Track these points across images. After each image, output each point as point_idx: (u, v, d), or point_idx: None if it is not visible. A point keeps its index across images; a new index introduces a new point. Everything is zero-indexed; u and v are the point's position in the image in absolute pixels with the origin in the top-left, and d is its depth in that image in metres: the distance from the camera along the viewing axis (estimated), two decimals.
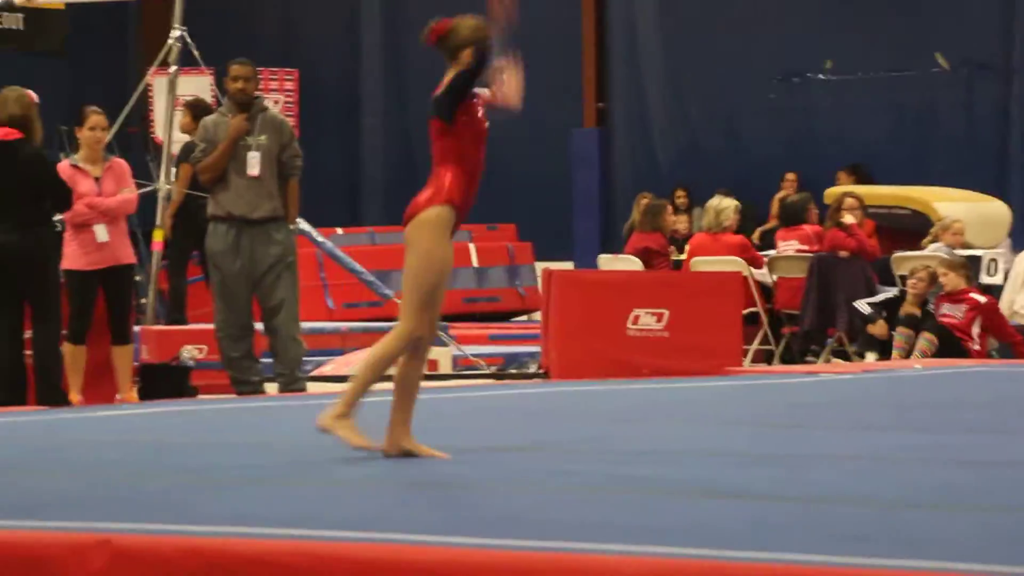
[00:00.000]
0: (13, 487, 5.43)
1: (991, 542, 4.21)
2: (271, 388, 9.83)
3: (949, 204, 14.38)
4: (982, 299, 12.41)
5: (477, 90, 5.91)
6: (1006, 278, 13.39)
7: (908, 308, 12.66)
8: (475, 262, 16.85)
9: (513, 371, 11.49)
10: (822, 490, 5.20)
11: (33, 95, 9.29)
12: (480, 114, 5.89)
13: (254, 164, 9.70)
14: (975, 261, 13.09)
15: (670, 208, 14.58)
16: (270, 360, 9.86)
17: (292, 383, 9.72)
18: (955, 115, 17.35)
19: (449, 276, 5.82)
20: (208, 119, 10.04)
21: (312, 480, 5.54)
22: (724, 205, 13.93)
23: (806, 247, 13.63)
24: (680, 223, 16.45)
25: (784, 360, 13.30)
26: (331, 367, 10.95)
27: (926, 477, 5.53)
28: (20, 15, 19.01)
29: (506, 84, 5.88)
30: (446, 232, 5.77)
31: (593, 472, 5.66)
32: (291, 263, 9.80)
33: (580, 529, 4.43)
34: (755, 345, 13.34)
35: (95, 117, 9.89)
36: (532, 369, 11.36)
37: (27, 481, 5.59)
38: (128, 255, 9.88)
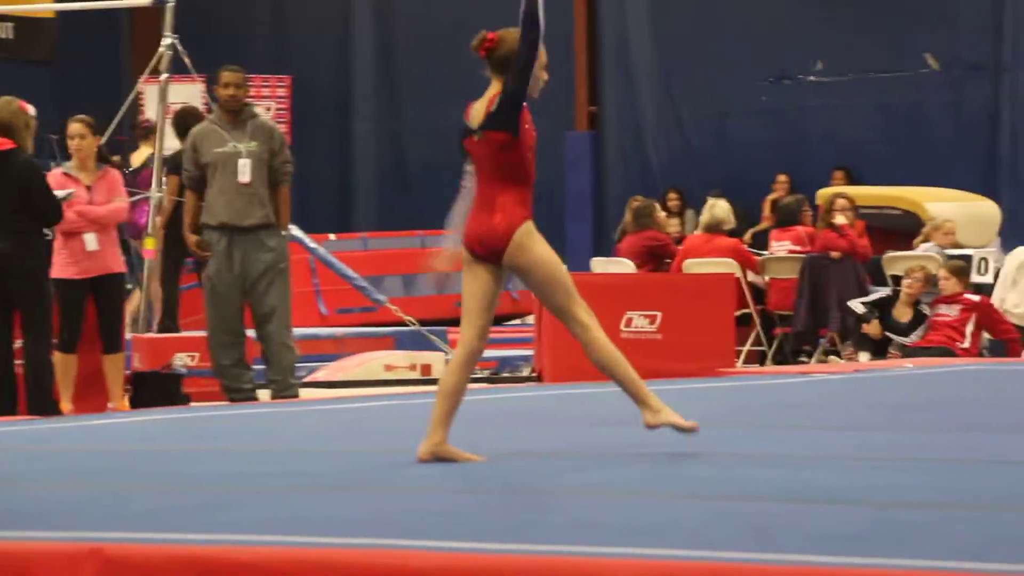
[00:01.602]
0: (3, 496, 5.41)
1: (985, 541, 4.21)
2: (263, 395, 9.82)
3: (940, 204, 14.40)
4: (976, 298, 12.44)
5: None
6: (996, 277, 13.41)
7: (901, 308, 12.68)
8: None
9: (506, 375, 11.48)
10: (816, 490, 5.20)
11: (27, 106, 9.26)
12: (532, 125, 5.89)
13: (244, 171, 9.69)
14: (966, 260, 13.11)
15: (660, 209, 14.59)
16: (262, 367, 9.85)
17: (285, 390, 9.71)
18: (945, 115, 17.37)
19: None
20: (197, 130, 10.01)
21: (304, 487, 5.53)
22: (723, 206, 13.95)
23: (799, 248, 13.64)
24: (672, 226, 16.45)
25: (777, 361, 13.30)
26: (324, 373, 10.94)
27: (919, 476, 5.53)
28: (10, 24, 18.99)
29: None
30: (542, 237, 5.85)
31: (588, 475, 5.66)
32: (283, 270, 9.79)
33: (576, 531, 4.42)
34: (748, 346, 13.34)
35: (72, 125, 9.88)
36: (525, 373, 11.35)
37: (17, 490, 5.58)
38: (118, 264, 9.87)
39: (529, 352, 11.57)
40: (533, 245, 5.81)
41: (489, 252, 5.84)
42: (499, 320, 16.76)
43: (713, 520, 4.59)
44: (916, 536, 4.30)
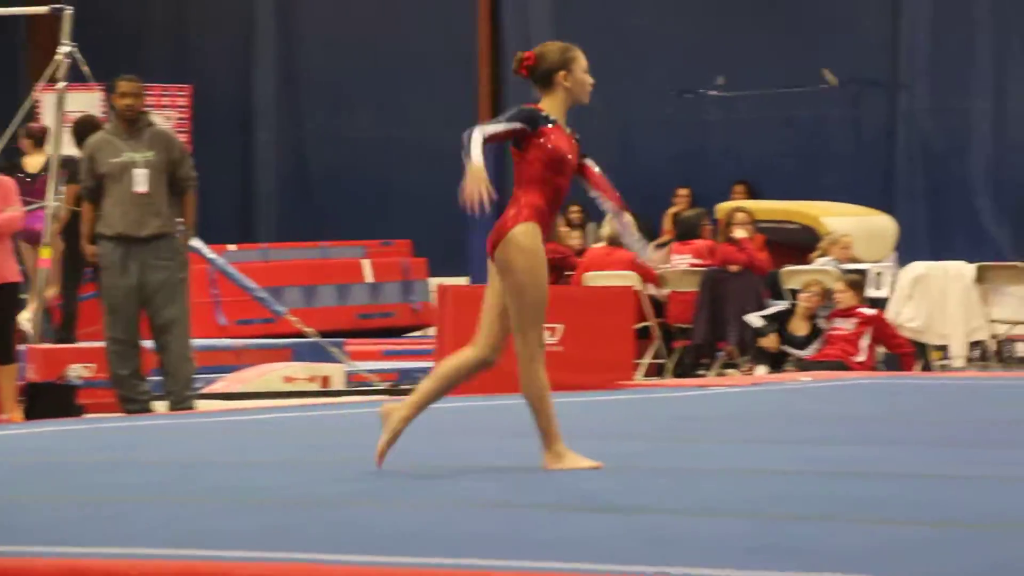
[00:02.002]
0: None
1: (879, 553, 4.25)
2: (160, 406, 9.73)
3: (837, 219, 14.55)
4: (871, 312, 12.59)
5: (549, 123, 5.98)
6: (892, 291, 13.58)
7: (798, 322, 12.80)
8: (369, 278, 16.81)
9: (406, 387, 11.45)
10: (711, 502, 5.23)
11: None
12: (553, 143, 5.95)
13: (140, 181, 9.62)
14: (862, 275, 13.27)
15: (562, 222, 14.63)
16: (159, 378, 9.76)
17: (182, 401, 9.64)
18: (843, 131, 17.56)
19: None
20: (92, 140, 9.92)
21: (199, 498, 5.49)
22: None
23: (699, 261, 13.74)
24: (574, 238, 16.51)
25: (676, 374, 13.38)
26: (222, 384, 10.87)
27: (814, 489, 5.58)
28: None
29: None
30: (540, 246, 5.86)
31: (483, 488, 5.66)
32: (181, 280, 9.72)
33: (471, 544, 4.42)
34: (648, 359, 13.41)
35: None
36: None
37: None
38: (13, 273, 9.74)
39: (430, 364, 11.55)
40: (522, 249, 5.83)
41: (493, 248, 5.90)
42: (401, 332, 16.80)
43: (612, 532, 4.60)
44: (810, 547, 4.34)
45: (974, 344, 13.92)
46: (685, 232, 14.27)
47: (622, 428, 7.99)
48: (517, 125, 5.92)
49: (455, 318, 11.19)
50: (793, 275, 13.50)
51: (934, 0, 17.00)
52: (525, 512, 5.10)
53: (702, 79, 18.20)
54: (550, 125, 5.97)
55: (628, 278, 13.43)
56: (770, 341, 12.78)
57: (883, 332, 12.56)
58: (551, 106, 6.04)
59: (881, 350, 12.77)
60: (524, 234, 5.84)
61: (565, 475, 5.88)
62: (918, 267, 13.83)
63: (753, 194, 16.79)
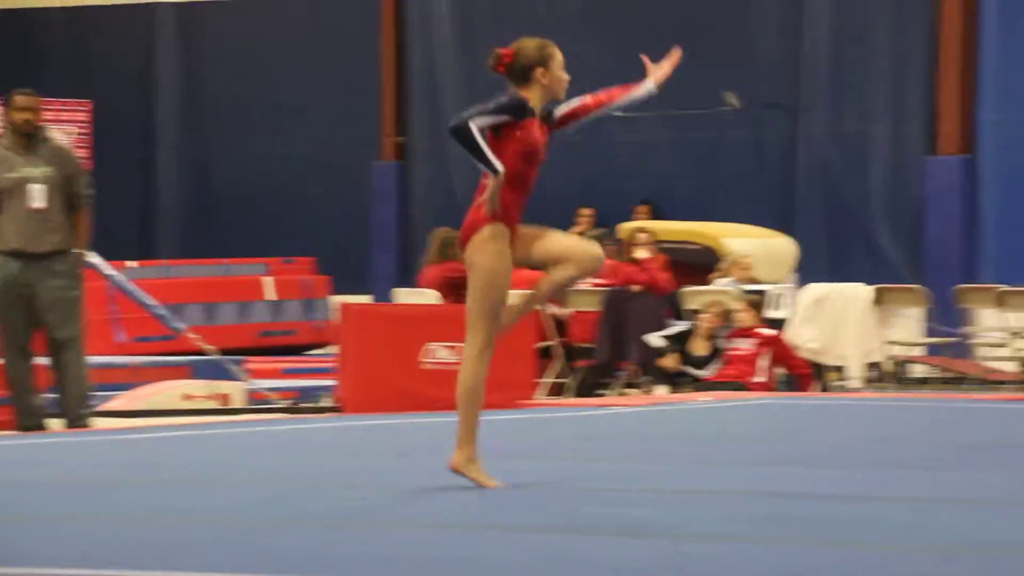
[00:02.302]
0: None
1: (776, 571, 4.28)
2: (55, 424, 9.62)
3: (738, 240, 14.67)
4: (770, 333, 12.71)
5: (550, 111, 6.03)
6: (792, 312, 13.70)
7: (698, 342, 12.89)
8: (271, 295, 16.73)
9: (307, 405, 11.40)
10: (609, 523, 5.24)
11: None
12: (531, 135, 5.99)
13: (37, 197, 9.51)
14: (761, 296, 13.37)
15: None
16: (56, 395, 9.65)
17: (77, 419, 9.53)
18: (745, 152, 17.72)
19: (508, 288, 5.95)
20: None
21: (107, 517, 5.43)
22: None
23: (602, 281, 13.79)
24: None
25: (578, 393, 13.41)
26: (120, 402, 10.76)
27: (710, 510, 5.61)
28: None
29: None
30: (505, 248, 5.91)
31: (371, 506, 5.64)
32: (77, 297, 9.61)
33: (370, 565, 4.40)
34: (551, 378, 13.43)
35: None
36: (326, 403, 11.29)
37: None
38: None
39: (331, 382, 11.51)
40: (486, 250, 5.90)
41: (463, 242, 5.97)
42: (303, 350, 16.72)
43: (512, 552, 4.60)
44: (708, 569, 4.36)
45: (871, 365, 14.08)
46: None
47: (519, 448, 8.00)
48: (505, 117, 5.96)
49: (358, 336, 11.16)
50: (694, 296, 13.59)
51: (834, 25, 17.21)
52: (424, 532, 5.09)
53: None
54: (530, 117, 6.02)
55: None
56: (670, 361, 12.85)
57: (782, 353, 12.67)
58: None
59: (780, 370, 12.88)
60: (492, 236, 5.92)
61: (463, 494, 5.87)
62: (817, 289, 13.97)
63: (656, 215, 16.89)
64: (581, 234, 16.06)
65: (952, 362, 14.75)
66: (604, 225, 15.88)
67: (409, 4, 19.15)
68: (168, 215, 20.16)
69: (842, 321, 13.69)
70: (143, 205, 20.16)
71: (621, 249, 13.88)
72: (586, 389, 13.50)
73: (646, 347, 13.06)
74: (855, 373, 13.83)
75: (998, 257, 15.41)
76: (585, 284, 13.91)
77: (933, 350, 14.92)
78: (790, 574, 4.27)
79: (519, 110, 5.98)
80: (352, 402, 10.84)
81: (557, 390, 13.54)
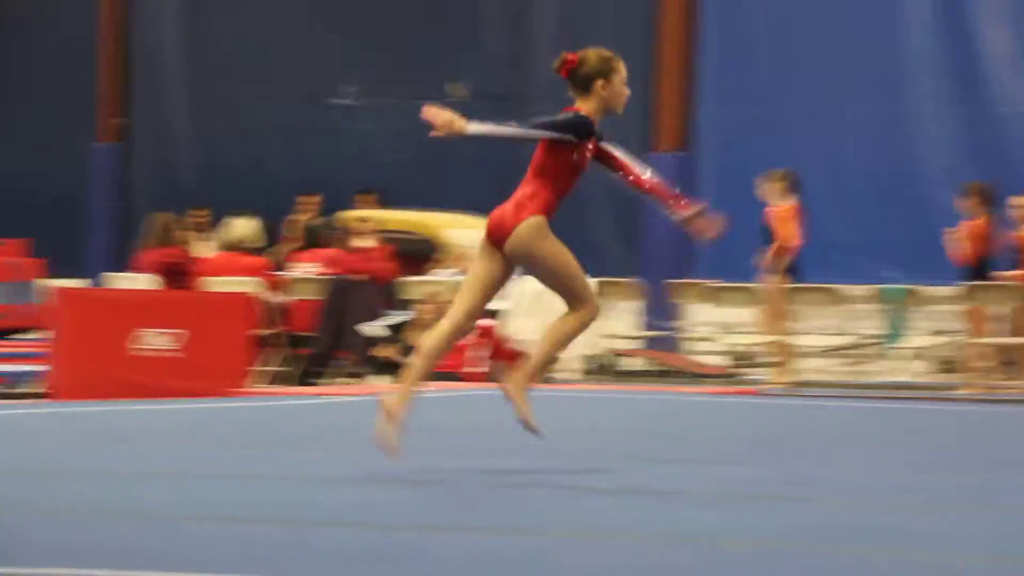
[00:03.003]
0: None
1: (473, 563, 4.32)
2: None
3: (458, 231, 14.78)
4: (485, 323, 12.84)
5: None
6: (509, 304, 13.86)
7: (417, 333, 12.93)
8: None
9: (16, 391, 11.11)
10: (322, 512, 5.23)
11: None
12: (584, 157, 6.17)
13: None
14: None
15: (185, 225, 14.43)
16: None
17: None
18: (469, 143, 17.83)
19: None
20: None
21: None
22: (247, 225, 13.90)
23: (327, 270, 13.75)
24: (201, 243, 16.30)
25: (301, 382, 13.34)
26: None
27: (431, 499, 5.64)
28: None
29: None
30: (550, 233, 6.15)
31: (83, 495, 5.53)
32: None
33: (63, 555, 4.31)
34: (273, 366, 13.33)
35: None
36: (34, 389, 11.01)
37: None
38: None
39: (42, 368, 11.23)
40: (540, 237, 6.10)
41: (496, 239, 6.14)
42: (14, 334, 16.27)
43: (215, 542, 4.56)
44: (421, 557, 4.38)
45: (589, 358, 14.33)
46: (312, 240, 14.27)
47: (221, 435, 7.92)
48: (568, 136, 6.08)
49: (73, 320, 10.91)
50: (411, 286, 13.65)
51: (558, 18, 17.46)
52: (121, 520, 5.00)
53: (332, 88, 18.24)
54: (591, 137, 6.18)
55: (252, 284, 13.34)
56: (389, 351, 12.88)
57: (495, 344, 12.81)
58: (585, 111, 6.21)
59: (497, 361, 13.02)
60: (537, 225, 6.12)
61: (172, 483, 5.79)
62: (536, 282, 14.14)
63: (381, 203, 16.90)
64: (308, 221, 15.99)
65: (665, 356, 15.11)
66: (330, 212, 15.83)
67: None
68: None
69: (559, 314, 13.88)
70: None
71: (343, 237, 13.86)
72: (306, 378, 13.45)
73: (362, 336, 13.07)
74: (572, 365, 14.05)
75: (712, 253, 15.81)
76: (308, 272, 13.85)
77: (650, 343, 15.27)
78: (484, 563, 4.33)
79: (583, 131, 6.15)
80: (64, 388, 10.60)
81: (280, 378, 13.44)
